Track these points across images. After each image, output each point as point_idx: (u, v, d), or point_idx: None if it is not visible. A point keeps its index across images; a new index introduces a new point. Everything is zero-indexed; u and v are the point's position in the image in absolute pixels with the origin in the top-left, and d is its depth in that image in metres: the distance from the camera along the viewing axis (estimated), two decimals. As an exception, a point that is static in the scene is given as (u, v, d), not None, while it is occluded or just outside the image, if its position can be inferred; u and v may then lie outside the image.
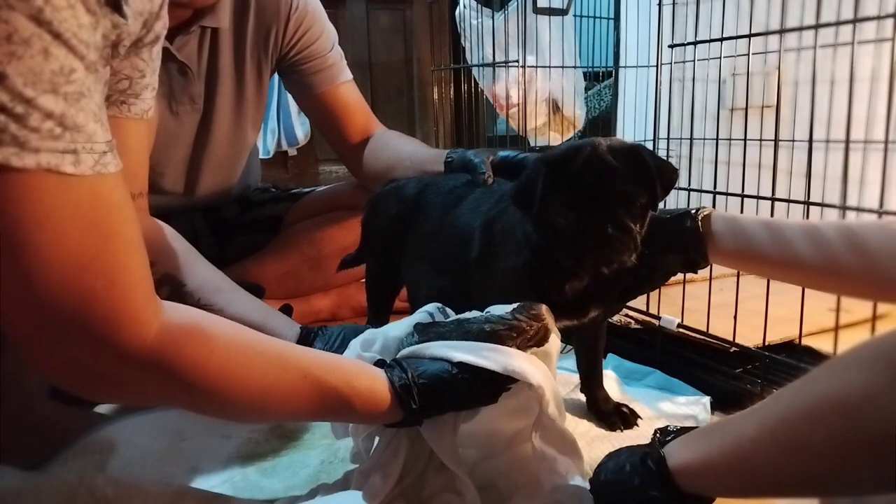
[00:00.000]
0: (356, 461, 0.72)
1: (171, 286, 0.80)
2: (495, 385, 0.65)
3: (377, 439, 0.69)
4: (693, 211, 0.78)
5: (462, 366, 0.63)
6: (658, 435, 0.65)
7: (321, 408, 0.61)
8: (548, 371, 0.68)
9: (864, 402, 0.44)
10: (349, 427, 0.70)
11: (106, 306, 0.48)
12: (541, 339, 0.68)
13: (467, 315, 0.70)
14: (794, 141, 1.48)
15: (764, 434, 0.51)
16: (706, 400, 0.94)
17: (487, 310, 0.70)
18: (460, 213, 0.89)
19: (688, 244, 0.77)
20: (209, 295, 0.83)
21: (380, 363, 0.66)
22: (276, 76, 1.34)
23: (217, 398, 0.56)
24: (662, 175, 0.74)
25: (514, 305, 0.69)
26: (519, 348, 0.66)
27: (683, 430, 0.63)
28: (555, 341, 0.70)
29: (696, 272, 0.83)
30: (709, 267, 1.01)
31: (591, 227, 0.71)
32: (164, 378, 0.53)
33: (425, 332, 0.68)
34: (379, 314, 1.05)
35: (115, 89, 0.65)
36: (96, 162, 0.48)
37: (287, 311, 1.18)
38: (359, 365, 0.65)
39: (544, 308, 0.68)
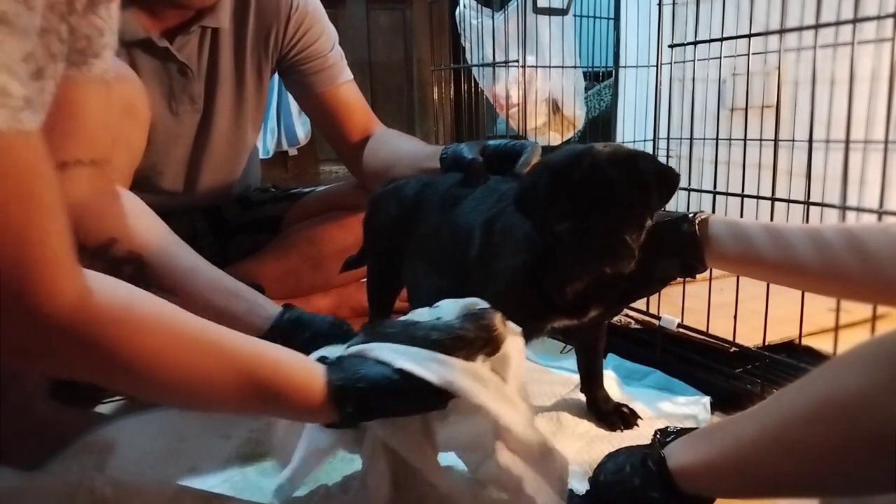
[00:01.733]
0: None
1: (134, 265, 0.76)
2: (437, 397, 0.61)
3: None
4: (690, 215, 0.78)
5: (403, 373, 0.60)
6: (658, 436, 0.65)
7: (250, 400, 0.58)
8: (499, 383, 0.64)
9: (864, 402, 0.44)
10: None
11: (15, 273, 0.45)
12: (492, 350, 0.64)
13: (415, 317, 0.67)
14: (794, 141, 1.48)
15: (764, 435, 0.51)
16: (706, 400, 0.94)
17: (437, 305, 0.68)
18: (460, 212, 0.89)
19: (685, 249, 0.77)
20: (173, 277, 0.79)
21: (322, 360, 0.63)
22: (276, 76, 1.34)
23: (140, 380, 0.54)
24: (662, 182, 0.74)
25: (467, 305, 0.65)
26: (467, 359, 0.62)
27: (683, 431, 0.63)
28: (514, 343, 0.66)
29: (694, 277, 0.82)
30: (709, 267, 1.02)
31: (590, 235, 0.72)
32: (84, 353, 0.51)
33: (371, 331, 0.66)
34: (379, 314, 1.05)
35: (75, 49, 0.62)
36: (11, 117, 0.44)
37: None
38: (299, 361, 0.62)
39: (497, 317, 0.64)
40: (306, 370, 0.61)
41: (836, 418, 0.46)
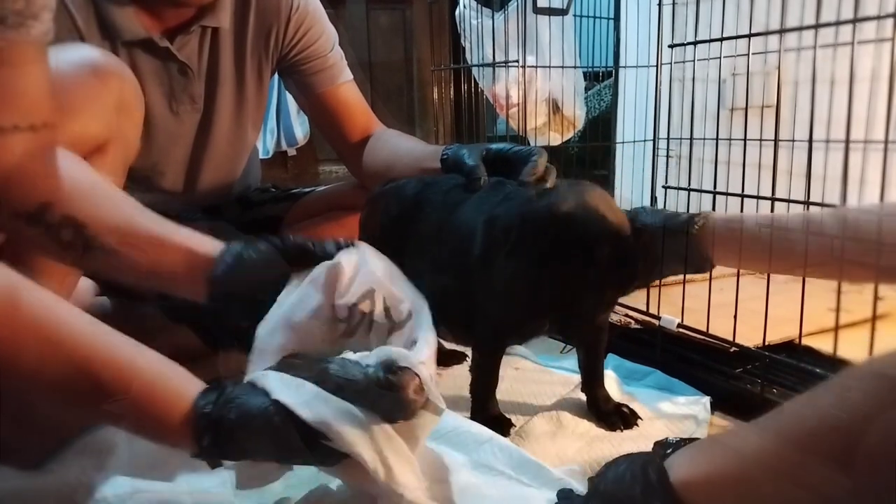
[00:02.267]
0: None
1: (73, 228, 0.71)
2: (310, 438, 0.53)
3: None
4: (691, 220, 0.79)
5: (279, 405, 0.53)
6: (658, 448, 0.65)
7: (95, 408, 0.53)
8: (401, 446, 0.57)
9: (867, 423, 0.44)
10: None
11: None
12: (401, 414, 0.56)
13: (336, 359, 0.60)
14: (794, 141, 1.47)
15: (766, 450, 0.51)
16: (706, 400, 0.94)
17: (381, 349, 0.60)
18: (462, 212, 0.89)
19: (690, 256, 0.78)
20: (111, 236, 0.73)
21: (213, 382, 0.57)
22: (275, 76, 1.34)
23: None
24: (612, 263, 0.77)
25: (392, 356, 0.58)
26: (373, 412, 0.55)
27: (683, 443, 0.63)
28: (427, 420, 0.59)
29: (703, 272, 0.85)
30: (709, 267, 1.02)
31: (546, 277, 0.77)
32: None
33: (284, 361, 0.60)
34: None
35: (12, 10, 0.60)
36: None
37: None
38: (167, 374, 0.56)
39: (415, 383, 0.56)
40: (171, 387, 0.55)
41: (839, 437, 0.46)
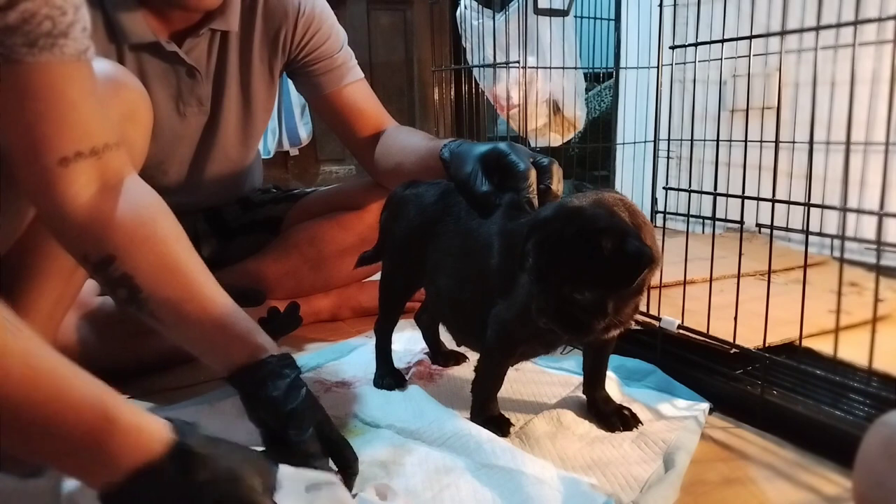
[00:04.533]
0: None
1: (128, 289, 0.72)
2: None
3: None
4: None
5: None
6: None
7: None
8: None
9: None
10: None
11: None
12: None
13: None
14: (794, 142, 1.48)
15: None
16: (705, 405, 0.94)
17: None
18: (480, 221, 0.89)
19: None
20: (164, 308, 0.73)
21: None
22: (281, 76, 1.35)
23: None
24: (621, 265, 0.71)
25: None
26: None
27: None
28: None
29: None
30: (709, 268, 1.02)
31: (537, 297, 0.75)
32: None
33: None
34: (389, 317, 1.05)
35: (40, 33, 0.60)
36: None
37: (294, 309, 1.18)
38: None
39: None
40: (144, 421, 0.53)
41: None
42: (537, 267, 0.74)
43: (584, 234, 0.72)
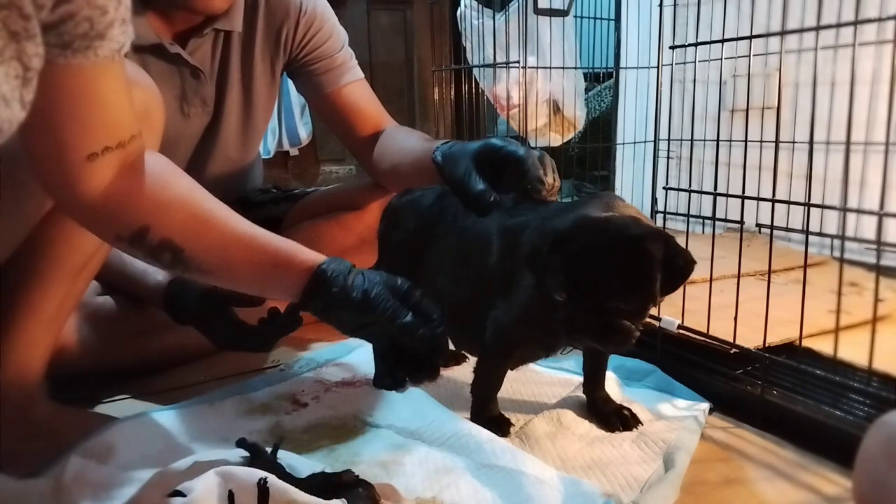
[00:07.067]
0: None
1: (171, 252, 0.74)
2: None
3: None
4: None
5: None
6: None
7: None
8: None
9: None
10: None
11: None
12: None
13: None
14: (794, 142, 1.48)
15: None
16: (705, 406, 0.94)
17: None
18: (477, 220, 0.88)
19: None
20: (208, 260, 0.76)
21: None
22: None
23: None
24: (669, 269, 0.70)
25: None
26: None
27: None
28: None
29: None
30: (709, 268, 1.02)
31: (581, 313, 0.71)
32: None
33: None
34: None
35: (76, 34, 0.59)
36: None
37: (294, 309, 1.17)
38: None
39: None
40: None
41: None
42: (573, 283, 0.70)
43: (626, 241, 0.69)
